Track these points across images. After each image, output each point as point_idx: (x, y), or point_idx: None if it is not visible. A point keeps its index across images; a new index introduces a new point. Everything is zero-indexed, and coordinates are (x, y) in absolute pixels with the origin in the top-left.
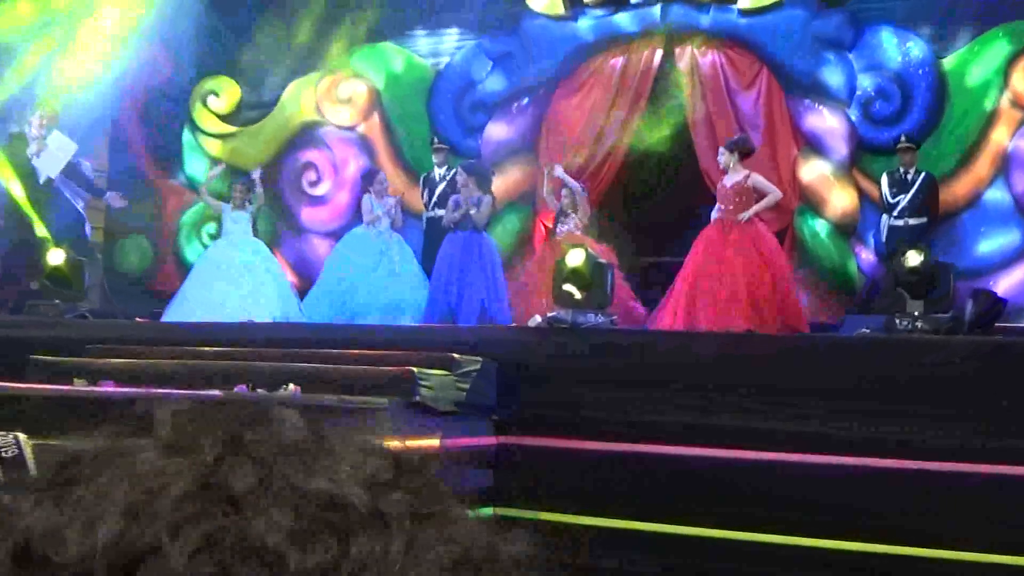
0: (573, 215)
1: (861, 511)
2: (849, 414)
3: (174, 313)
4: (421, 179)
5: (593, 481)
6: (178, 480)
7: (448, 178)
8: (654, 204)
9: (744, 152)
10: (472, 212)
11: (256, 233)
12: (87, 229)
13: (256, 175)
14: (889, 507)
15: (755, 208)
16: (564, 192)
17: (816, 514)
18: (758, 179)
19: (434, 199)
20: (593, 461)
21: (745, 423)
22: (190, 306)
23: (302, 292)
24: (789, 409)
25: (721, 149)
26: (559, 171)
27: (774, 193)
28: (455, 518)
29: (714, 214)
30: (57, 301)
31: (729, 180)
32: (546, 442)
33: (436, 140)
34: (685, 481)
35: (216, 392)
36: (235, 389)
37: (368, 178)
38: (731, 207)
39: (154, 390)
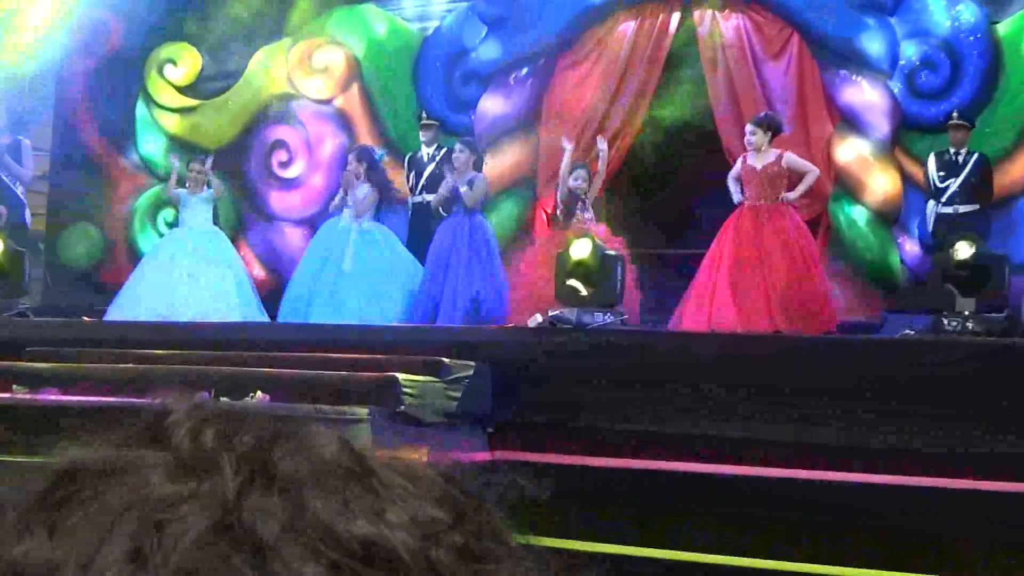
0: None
1: (860, 518)
2: (849, 415)
3: (119, 311)
4: (406, 160)
5: (597, 500)
6: (194, 517)
7: (438, 159)
8: (669, 189)
9: (777, 130)
10: (463, 191)
11: (217, 221)
12: (27, 216)
13: (207, 164)
14: (892, 514)
15: (800, 188)
16: (578, 174)
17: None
18: (792, 158)
19: (422, 182)
20: (597, 478)
21: (765, 435)
22: (137, 303)
23: (271, 288)
24: (789, 410)
25: (751, 127)
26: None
27: (813, 171)
28: (518, 565)
29: (736, 197)
30: None
31: (760, 162)
32: (546, 458)
33: (424, 115)
34: (704, 501)
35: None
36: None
37: (365, 156)
38: (763, 192)
39: (104, 398)
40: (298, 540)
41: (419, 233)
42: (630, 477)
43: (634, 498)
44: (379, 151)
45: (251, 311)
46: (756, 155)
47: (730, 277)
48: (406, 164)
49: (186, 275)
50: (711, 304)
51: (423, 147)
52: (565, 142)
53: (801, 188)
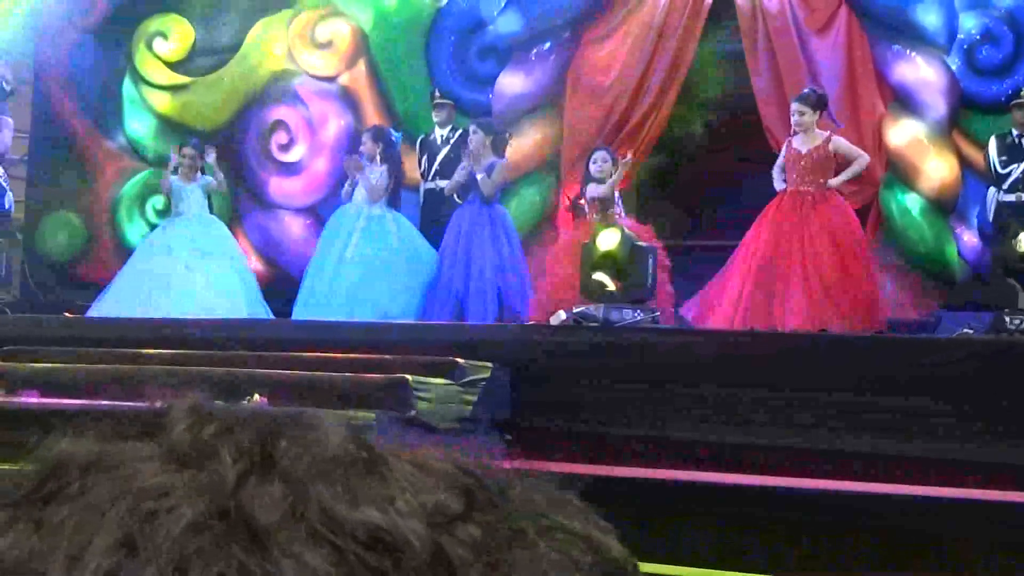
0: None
1: (861, 520)
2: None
3: (110, 306)
4: (417, 142)
5: (626, 514)
6: (188, 503)
7: (452, 141)
8: (704, 173)
9: (824, 107)
10: (480, 178)
11: (212, 209)
12: (5, 202)
13: (211, 157)
14: (892, 514)
15: (844, 175)
16: (599, 155)
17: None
18: (841, 142)
19: (435, 167)
20: (629, 491)
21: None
22: (132, 298)
23: (270, 281)
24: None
25: (798, 106)
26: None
27: (862, 157)
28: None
29: (779, 185)
30: None
31: (804, 145)
32: (572, 468)
33: (437, 94)
34: (712, 509)
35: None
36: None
37: (382, 137)
38: (807, 177)
39: (88, 401)
40: (299, 526)
41: (431, 221)
42: (671, 491)
43: (665, 508)
44: (395, 132)
45: (256, 307)
46: (802, 137)
47: (768, 270)
48: (418, 147)
49: (184, 268)
50: (751, 299)
51: (436, 129)
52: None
53: (846, 175)
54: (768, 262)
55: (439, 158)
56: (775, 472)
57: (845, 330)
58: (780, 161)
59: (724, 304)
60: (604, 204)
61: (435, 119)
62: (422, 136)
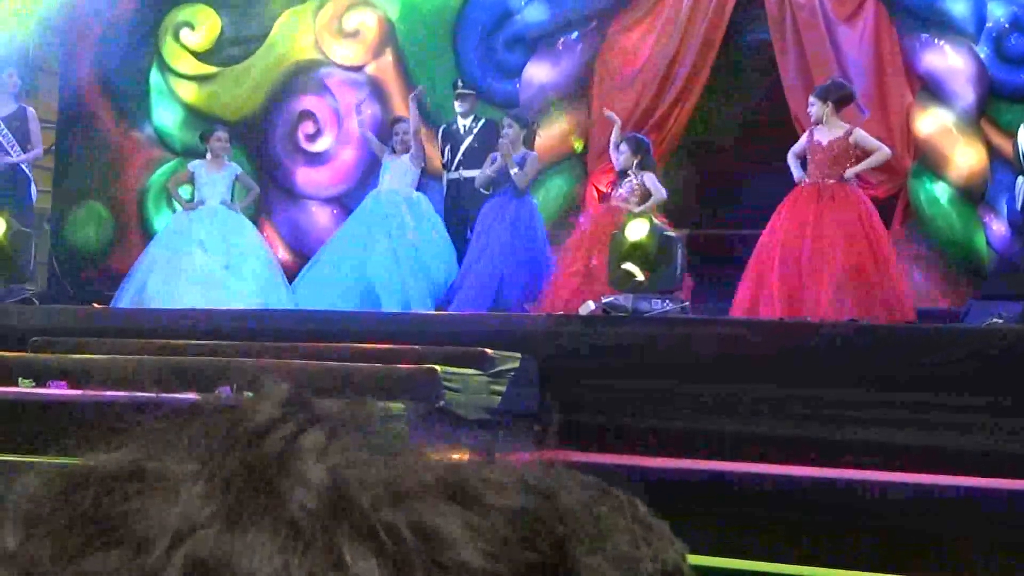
0: (632, 176)
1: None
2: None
3: (130, 296)
4: (439, 132)
5: (662, 506)
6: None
7: (475, 131)
8: (732, 163)
9: (841, 101)
10: (514, 172)
11: (234, 199)
12: (32, 193)
13: (238, 172)
14: (893, 513)
15: (859, 167)
16: (623, 147)
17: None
18: (862, 135)
19: (458, 157)
20: (663, 481)
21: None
22: (156, 289)
23: (296, 272)
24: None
25: (810, 99)
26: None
27: (881, 151)
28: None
29: (797, 174)
30: None
31: (825, 136)
32: (603, 459)
33: (460, 84)
34: (715, 500)
35: (192, 395)
36: (216, 391)
37: (390, 126)
38: (827, 168)
39: (117, 392)
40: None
41: (455, 211)
42: (707, 482)
43: (700, 501)
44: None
45: (279, 297)
46: (824, 129)
47: (791, 263)
48: (440, 137)
49: (223, 265)
50: (775, 290)
51: (459, 119)
52: (609, 114)
53: (861, 166)
54: (790, 255)
55: (462, 148)
56: (792, 462)
57: (875, 319)
58: (796, 148)
59: (746, 298)
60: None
61: (458, 109)
62: (444, 126)
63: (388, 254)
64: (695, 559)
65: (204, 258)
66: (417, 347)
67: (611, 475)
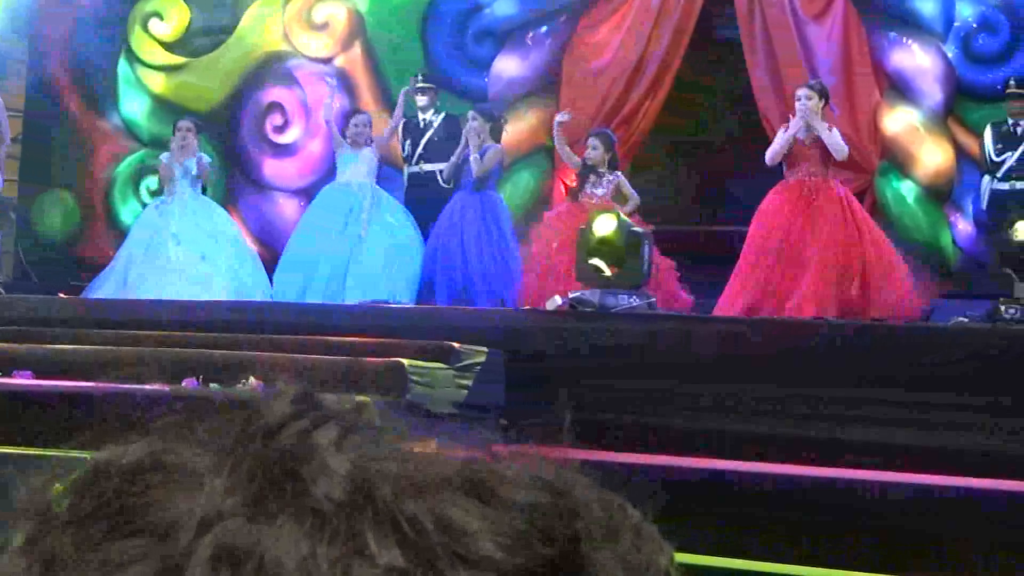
0: (605, 174)
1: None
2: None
3: (112, 290)
4: (400, 126)
5: (661, 505)
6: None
7: (437, 125)
8: (700, 160)
9: (826, 100)
10: (473, 158)
11: (205, 191)
12: None
13: (205, 161)
14: (894, 515)
15: (778, 141)
16: (592, 142)
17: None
18: (836, 135)
19: (419, 151)
20: (663, 480)
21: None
22: (134, 282)
23: (263, 263)
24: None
25: (805, 93)
26: (561, 118)
27: (842, 151)
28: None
29: (771, 157)
30: None
31: (807, 133)
32: (603, 457)
33: (420, 77)
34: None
35: (161, 387)
36: (183, 383)
37: (347, 119)
38: (816, 167)
39: (84, 383)
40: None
41: (416, 205)
42: (669, 475)
43: (700, 501)
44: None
45: (260, 288)
46: (805, 126)
47: (780, 260)
48: (401, 131)
49: (199, 256)
50: (762, 287)
51: (419, 112)
52: (561, 115)
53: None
54: (779, 253)
55: (423, 142)
56: (772, 460)
57: (873, 317)
58: (776, 148)
59: (736, 296)
60: (585, 176)
61: (419, 103)
62: (404, 120)
63: (357, 246)
64: (695, 559)
65: (179, 250)
66: (384, 340)
67: (611, 475)
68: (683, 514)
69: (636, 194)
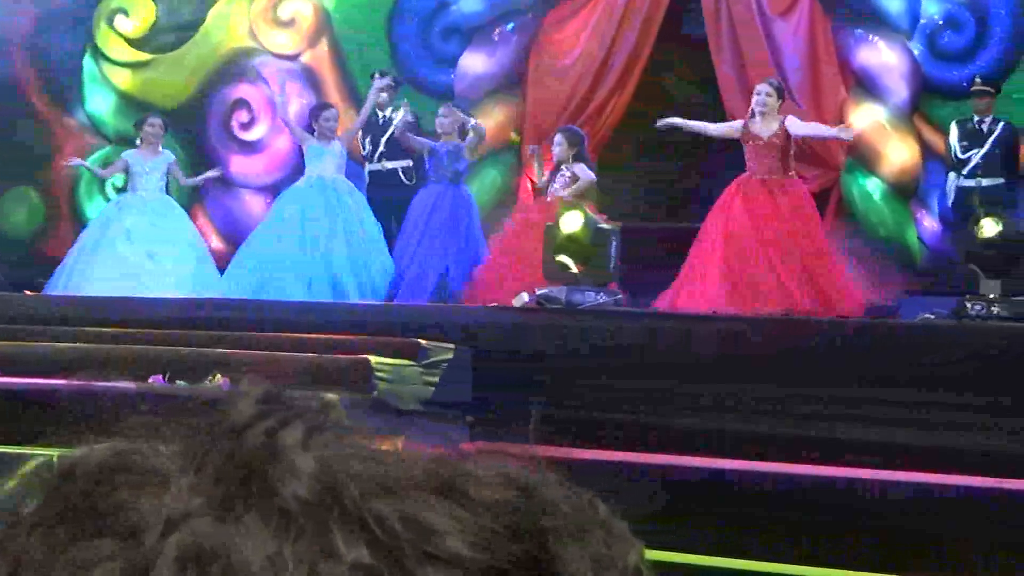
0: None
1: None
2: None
3: (63, 284)
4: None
5: (662, 504)
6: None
7: (396, 121)
8: (666, 157)
9: (783, 99)
10: (469, 137)
11: (168, 189)
12: None
13: (171, 161)
14: (894, 515)
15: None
16: (556, 139)
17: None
18: (796, 122)
19: (379, 148)
20: (663, 480)
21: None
22: (81, 276)
23: (229, 260)
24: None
25: (765, 88)
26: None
27: (822, 129)
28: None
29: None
30: None
31: (765, 130)
32: (603, 456)
33: (379, 73)
34: (700, 499)
35: (128, 384)
36: (150, 380)
37: (315, 113)
38: (775, 163)
39: (48, 381)
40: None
41: (377, 203)
42: (634, 471)
43: (700, 500)
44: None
45: (209, 286)
46: (761, 122)
47: (738, 257)
48: (360, 129)
49: (146, 255)
50: (707, 286)
51: (378, 110)
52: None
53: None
54: (737, 249)
55: (383, 140)
56: (772, 460)
57: (820, 315)
58: (720, 129)
59: (694, 293)
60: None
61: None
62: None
63: (328, 242)
64: (695, 559)
65: (127, 247)
66: (352, 337)
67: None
68: (683, 514)
69: (591, 174)
